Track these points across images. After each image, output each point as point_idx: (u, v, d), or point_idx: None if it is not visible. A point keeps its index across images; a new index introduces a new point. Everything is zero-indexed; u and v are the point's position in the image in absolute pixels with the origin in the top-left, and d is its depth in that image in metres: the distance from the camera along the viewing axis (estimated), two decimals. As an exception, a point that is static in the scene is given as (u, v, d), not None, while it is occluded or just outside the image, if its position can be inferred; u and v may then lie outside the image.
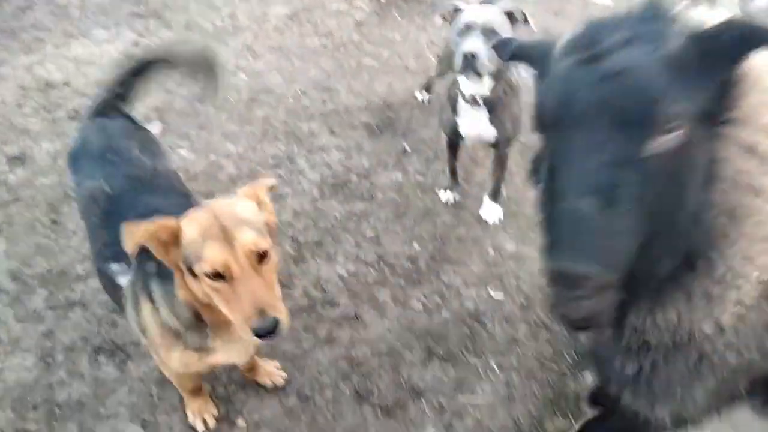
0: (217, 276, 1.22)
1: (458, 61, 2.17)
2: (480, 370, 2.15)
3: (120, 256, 1.45)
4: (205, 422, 1.87)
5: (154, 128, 3.09)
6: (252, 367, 1.95)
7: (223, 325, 1.42)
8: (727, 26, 0.90)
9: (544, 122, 1.03)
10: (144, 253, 1.27)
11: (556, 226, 0.96)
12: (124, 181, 1.66)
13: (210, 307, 1.33)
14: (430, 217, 2.77)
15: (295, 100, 3.43)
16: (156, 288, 1.42)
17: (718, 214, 0.98)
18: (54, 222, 2.54)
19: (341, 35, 4.10)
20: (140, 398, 1.95)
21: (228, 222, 1.24)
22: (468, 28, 2.18)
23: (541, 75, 1.08)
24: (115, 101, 1.94)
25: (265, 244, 1.27)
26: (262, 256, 1.26)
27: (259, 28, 4.10)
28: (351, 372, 2.11)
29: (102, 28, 3.94)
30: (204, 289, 1.27)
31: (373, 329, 2.27)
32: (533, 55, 1.15)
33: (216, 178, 2.89)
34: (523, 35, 1.69)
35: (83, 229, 2.47)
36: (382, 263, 2.53)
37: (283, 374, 2.04)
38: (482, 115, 2.40)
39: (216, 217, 1.25)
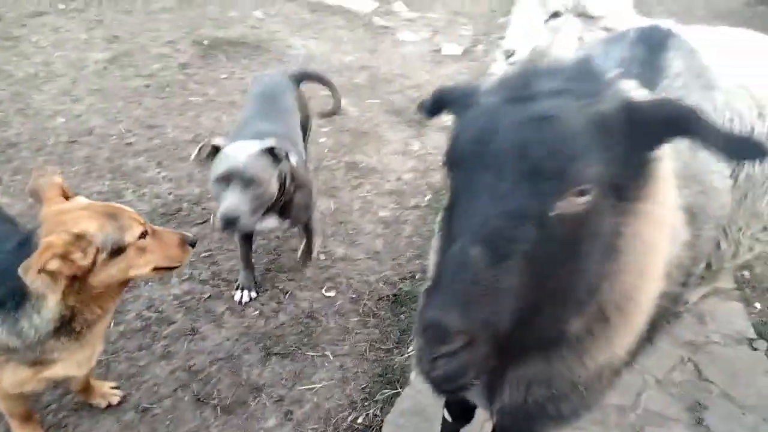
0: (143, 235, 1.48)
1: (218, 220, 1.97)
2: (316, 360, 2.33)
3: None
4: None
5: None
6: (86, 388, 1.94)
7: (92, 323, 1.51)
8: (665, 105, 0.90)
9: (455, 158, 0.94)
10: None
11: (441, 271, 0.85)
12: None
13: (97, 298, 1.46)
14: (264, 234, 2.94)
15: (119, 139, 3.44)
16: None
17: (609, 295, 0.96)
18: None
19: (165, 76, 4.19)
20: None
21: (102, 208, 1.47)
22: (225, 179, 1.98)
23: (457, 108, 1.03)
24: None
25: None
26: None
27: (77, 73, 4.05)
28: (190, 381, 2.17)
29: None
30: (128, 260, 1.45)
31: (211, 340, 2.35)
32: (456, 99, 1.04)
33: (36, 218, 2.80)
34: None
35: None
36: (217, 279, 2.64)
37: (119, 392, 2.05)
38: (272, 217, 2.31)
39: (91, 207, 1.46)
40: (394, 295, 2.67)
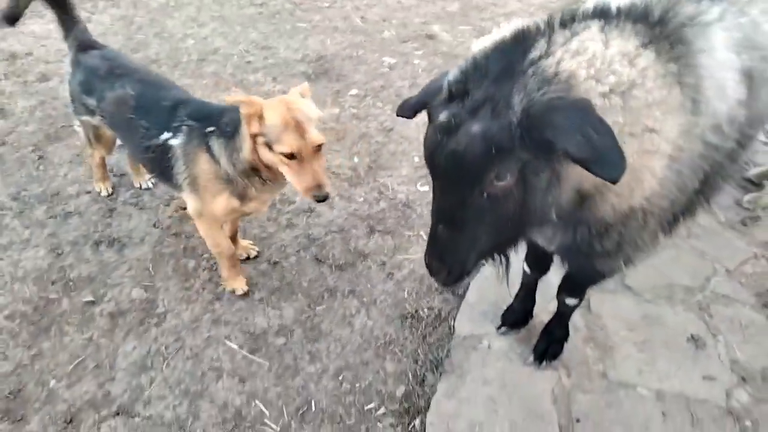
0: (290, 156, 1.76)
1: None
2: (412, 239, 2.71)
3: (164, 128, 2.04)
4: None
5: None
6: (234, 239, 2.43)
7: (273, 179, 1.94)
8: (545, 126, 1.04)
9: (427, 162, 1.26)
10: (204, 119, 1.94)
11: (429, 237, 1.31)
12: (138, 84, 2.18)
13: (270, 168, 1.86)
14: (365, 138, 3.32)
15: (239, 58, 3.91)
16: (215, 144, 1.93)
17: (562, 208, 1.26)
18: (41, 158, 2.92)
19: (275, 4, 4.60)
20: (139, 272, 2.40)
21: (301, 117, 1.75)
22: None
23: (427, 112, 1.28)
24: (83, 34, 2.42)
25: (323, 138, 1.80)
26: (319, 146, 1.80)
27: (200, 2, 4.54)
28: (309, 245, 2.63)
29: (52, 9, 4.27)
30: (275, 160, 1.79)
31: (325, 217, 2.79)
32: (429, 98, 1.28)
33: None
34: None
35: (69, 162, 2.88)
36: (329, 173, 3.06)
37: (256, 248, 2.54)
38: None
39: (290, 110, 1.75)
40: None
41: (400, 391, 2.05)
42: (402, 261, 2.58)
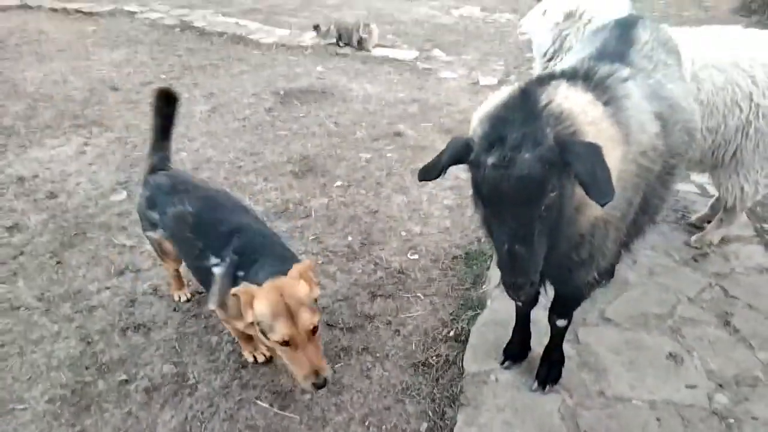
0: (284, 343, 1.79)
1: None
2: (411, 300, 3.00)
3: (216, 253, 2.13)
4: (255, 358, 2.52)
5: (121, 196, 3.82)
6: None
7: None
8: (568, 151, 1.38)
9: (484, 201, 1.54)
10: (249, 255, 2.04)
11: (507, 260, 1.49)
12: (199, 202, 2.30)
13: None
14: (355, 220, 3.68)
15: (231, 165, 4.31)
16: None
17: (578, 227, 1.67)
18: (59, 263, 3.13)
19: (256, 118, 5.12)
20: (167, 351, 2.57)
21: (291, 302, 1.75)
22: None
23: (470, 165, 1.53)
24: (161, 161, 2.58)
25: (316, 320, 1.82)
26: (314, 329, 1.83)
27: (189, 121, 5.01)
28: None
29: (52, 138, 4.64)
30: (271, 345, 1.84)
31: (330, 288, 3.06)
32: (459, 158, 1.56)
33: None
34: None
35: (86, 263, 3.11)
36: (326, 252, 3.37)
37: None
38: None
39: (281, 296, 1.76)
40: (466, 253, 3.34)
41: (423, 427, 2.24)
42: (406, 319, 2.85)
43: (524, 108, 1.48)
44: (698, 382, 2.44)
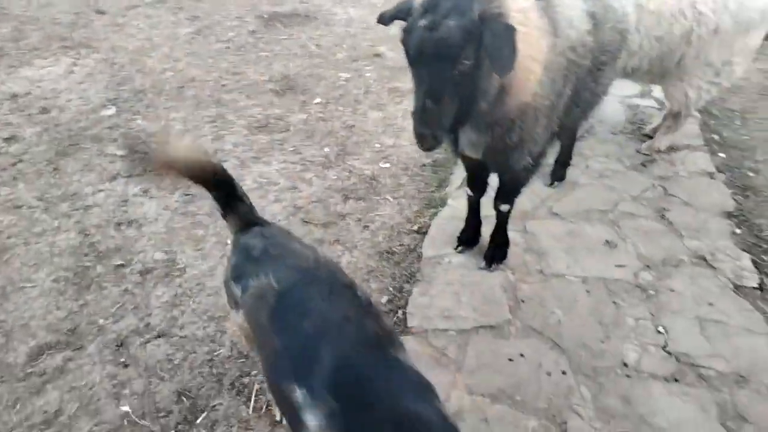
0: None
1: None
2: (381, 201, 3.28)
3: (302, 375, 1.24)
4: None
5: (110, 111, 4.03)
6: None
7: None
8: (486, 27, 1.60)
9: (409, 61, 1.74)
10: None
11: (419, 113, 1.72)
12: (290, 274, 1.49)
13: None
14: (332, 134, 3.91)
15: (215, 83, 4.49)
16: None
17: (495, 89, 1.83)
18: (55, 169, 3.40)
19: (239, 40, 5.25)
20: (158, 241, 2.88)
21: None
22: None
23: (404, 29, 1.74)
24: (248, 215, 1.75)
25: None
26: None
27: (173, 43, 5.14)
28: (296, 212, 3.16)
29: (41, 59, 4.79)
30: None
31: (306, 191, 3.34)
32: (402, 15, 1.80)
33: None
34: None
35: (80, 170, 3.36)
36: (304, 161, 3.62)
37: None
38: None
39: None
40: (433, 161, 3.61)
41: (385, 298, 2.58)
42: (374, 217, 3.15)
43: None
44: (628, 262, 2.77)
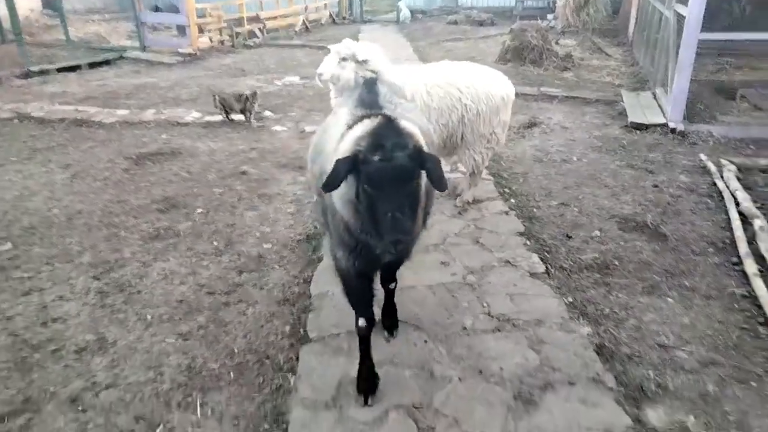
0: None
1: None
2: (270, 269, 4.08)
3: None
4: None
5: (6, 246, 4.43)
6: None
7: None
8: (423, 160, 2.16)
9: (372, 187, 2.08)
10: None
11: (391, 224, 2.04)
12: None
13: None
14: (217, 232, 4.69)
15: (101, 211, 5.09)
16: None
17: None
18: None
19: (115, 177, 5.93)
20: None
21: None
22: None
23: (359, 169, 2.12)
24: None
25: None
26: None
27: (52, 188, 5.65)
28: (201, 288, 3.83)
29: None
30: None
31: (204, 273, 4.03)
32: (351, 168, 2.13)
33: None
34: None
35: None
36: (198, 254, 4.33)
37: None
38: None
39: None
40: (307, 235, 4.54)
41: (287, 328, 3.33)
42: (267, 280, 3.93)
43: (393, 128, 2.28)
44: (458, 271, 3.86)
